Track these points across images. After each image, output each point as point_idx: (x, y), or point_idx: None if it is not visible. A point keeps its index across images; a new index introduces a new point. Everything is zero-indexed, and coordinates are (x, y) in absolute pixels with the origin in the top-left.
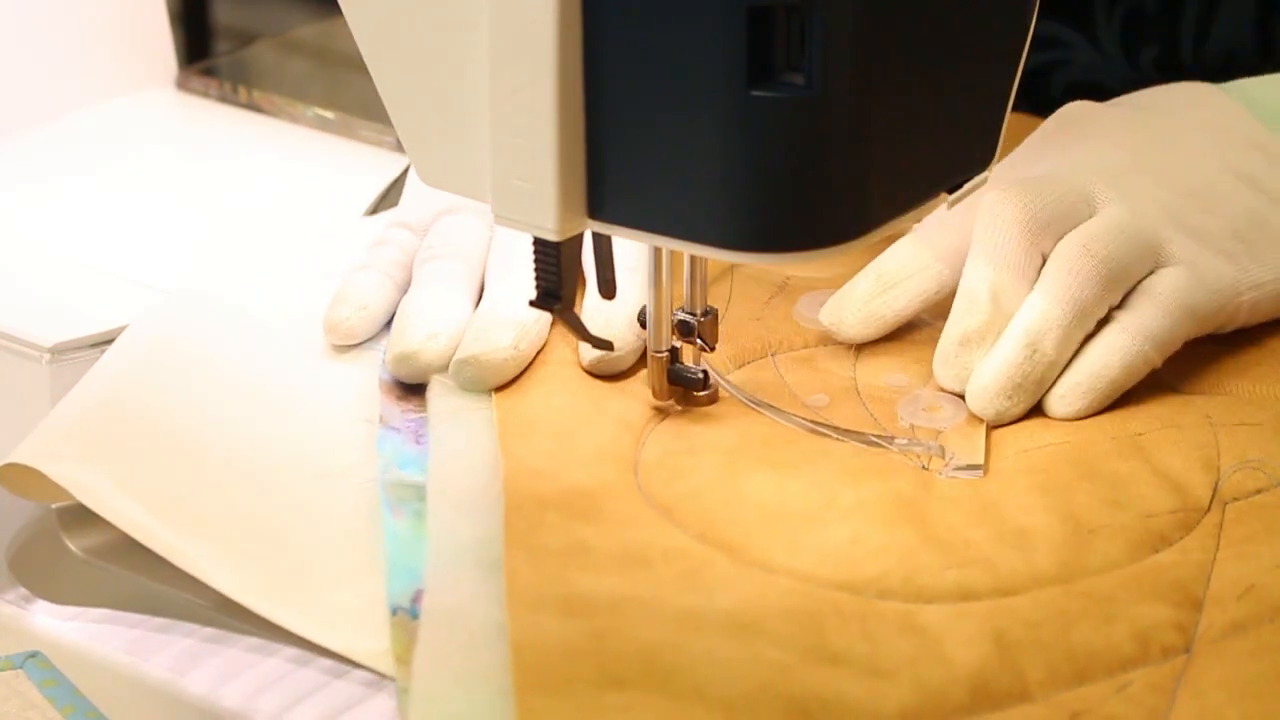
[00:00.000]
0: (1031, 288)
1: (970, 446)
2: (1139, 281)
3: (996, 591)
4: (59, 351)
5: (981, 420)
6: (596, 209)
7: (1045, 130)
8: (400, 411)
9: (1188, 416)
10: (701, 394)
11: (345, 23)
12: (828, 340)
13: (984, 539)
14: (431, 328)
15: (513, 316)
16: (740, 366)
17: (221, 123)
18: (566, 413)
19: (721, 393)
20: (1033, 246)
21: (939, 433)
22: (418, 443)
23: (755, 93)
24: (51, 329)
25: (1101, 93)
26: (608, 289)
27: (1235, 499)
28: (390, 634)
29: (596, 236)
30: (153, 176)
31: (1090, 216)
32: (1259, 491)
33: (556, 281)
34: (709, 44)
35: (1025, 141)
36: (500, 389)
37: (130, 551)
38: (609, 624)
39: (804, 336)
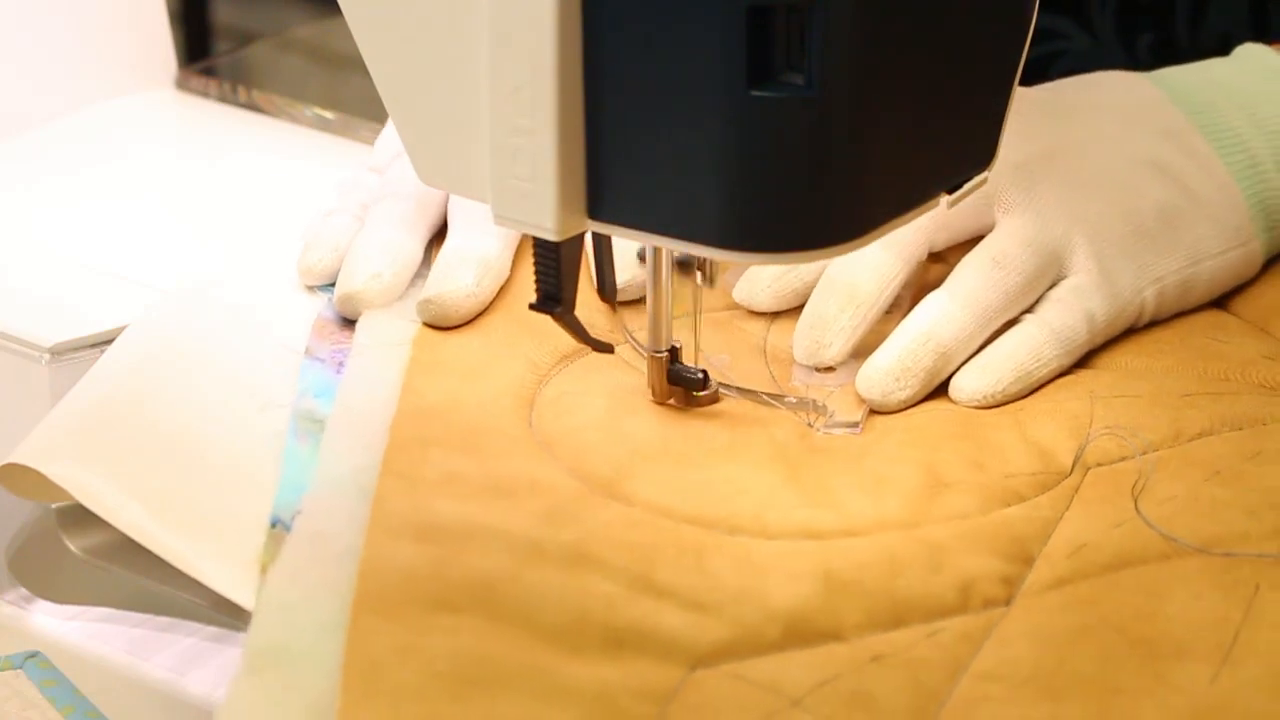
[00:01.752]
0: (905, 276)
1: (852, 406)
2: (1047, 290)
3: (840, 532)
4: (59, 351)
5: None
6: (596, 209)
7: None
8: (330, 345)
9: (1069, 390)
10: (702, 394)
11: (345, 22)
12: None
13: (841, 484)
14: (375, 267)
15: (475, 255)
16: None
17: (221, 123)
18: (479, 354)
19: (627, 346)
20: (929, 240)
21: (829, 393)
22: (338, 373)
23: (755, 93)
24: (51, 329)
25: None
26: (608, 289)
27: (1099, 464)
28: (263, 544)
29: (596, 236)
30: (153, 176)
31: (994, 218)
32: (1123, 459)
33: (556, 284)
34: (709, 44)
35: None
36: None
37: (130, 551)
38: (455, 551)
39: (728, 300)
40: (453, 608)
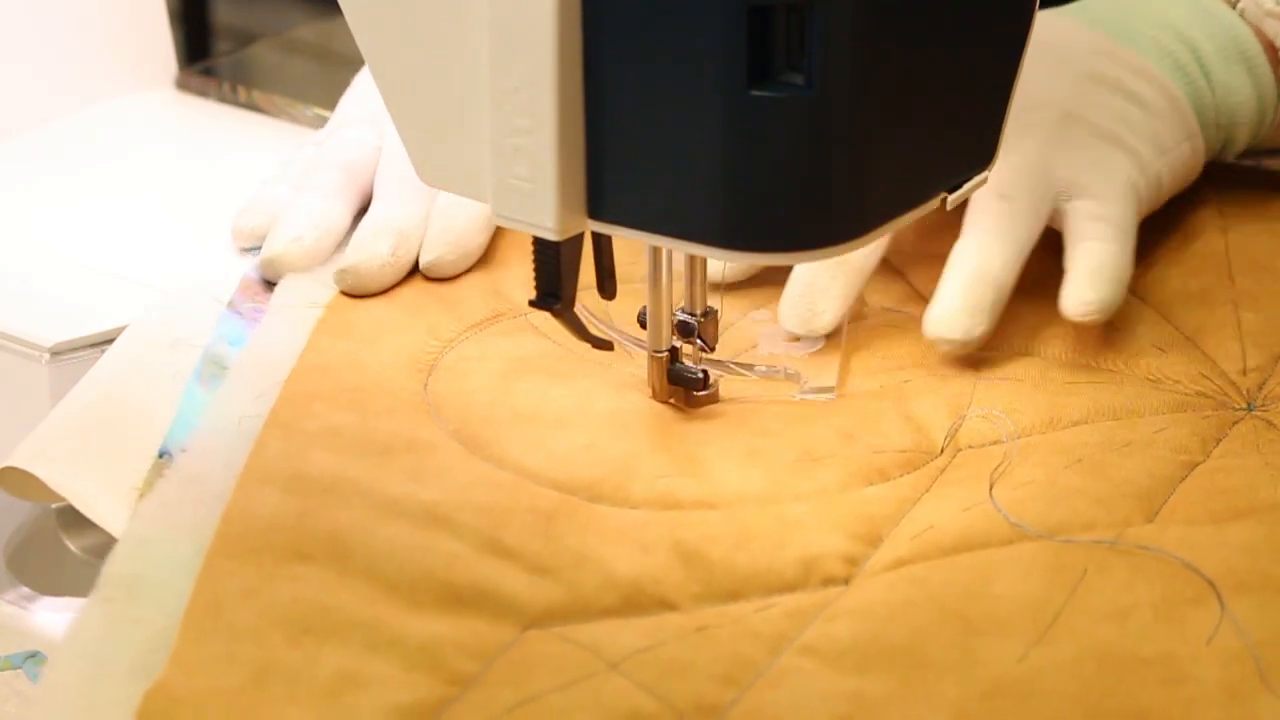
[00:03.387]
0: (887, 242)
1: (823, 371)
2: (1065, 217)
3: (699, 504)
4: (59, 351)
5: (838, 350)
6: (596, 209)
7: None
8: (252, 303)
9: (954, 369)
10: (702, 394)
11: (345, 23)
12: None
13: (713, 455)
14: (297, 231)
15: (392, 226)
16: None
17: (221, 123)
18: (385, 319)
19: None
20: None
21: (800, 359)
22: (253, 327)
23: (755, 93)
24: (51, 329)
25: None
26: (608, 288)
27: (970, 446)
28: (145, 474)
29: (596, 236)
30: (153, 176)
31: None
32: (995, 443)
33: (556, 281)
34: (709, 44)
35: None
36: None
37: None
38: (318, 504)
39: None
40: (304, 557)
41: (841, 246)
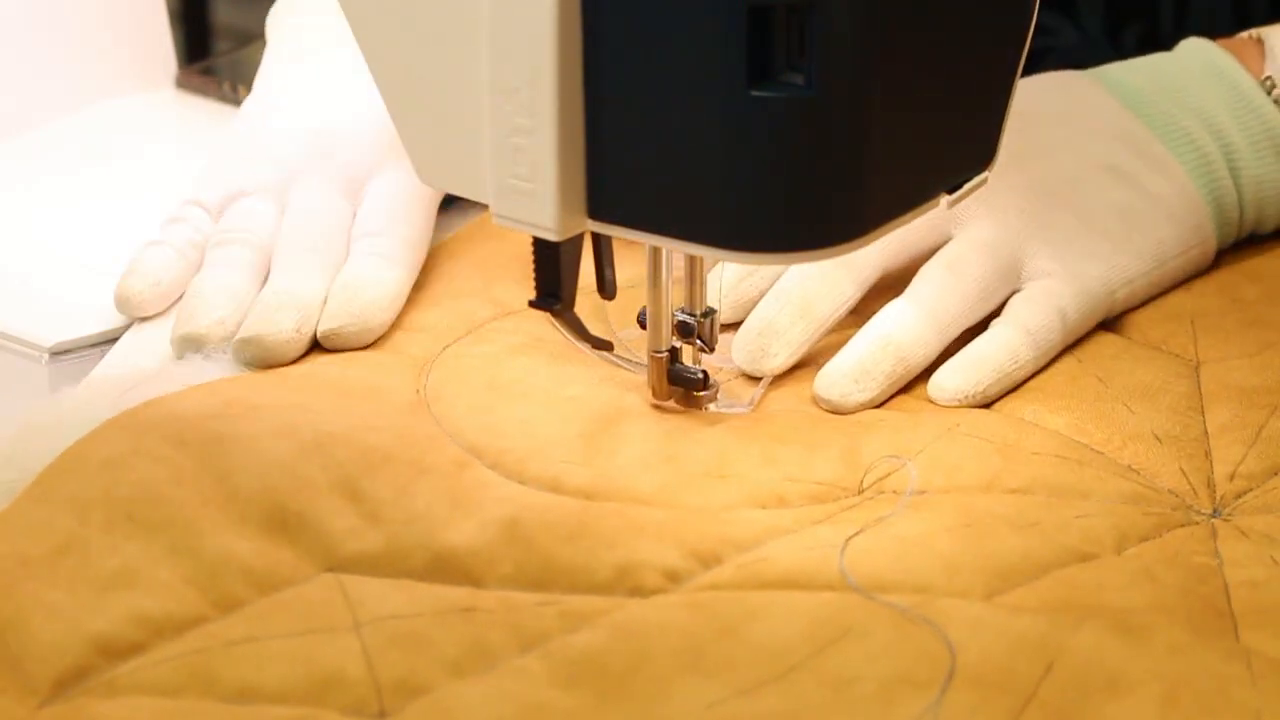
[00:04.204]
0: (858, 298)
1: (750, 389)
2: (1010, 295)
3: (579, 492)
4: (59, 351)
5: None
6: (596, 209)
7: None
8: None
9: (938, 418)
10: (702, 394)
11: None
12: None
13: (630, 453)
14: (220, 312)
15: (295, 299)
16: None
17: (221, 123)
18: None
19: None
20: (884, 260)
21: (720, 370)
22: None
23: (755, 93)
24: (51, 329)
25: None
26: (608, 289)
27: (895, 492)
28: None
29: (596, 236)
30: (153, 176)
31: (949, 233)
32: (919, 493)
33: (556, 282)
34: (709, 44)
35: None
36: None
37: None
38: (237, 411)
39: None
40: (181, 443)
41: (841, 247)
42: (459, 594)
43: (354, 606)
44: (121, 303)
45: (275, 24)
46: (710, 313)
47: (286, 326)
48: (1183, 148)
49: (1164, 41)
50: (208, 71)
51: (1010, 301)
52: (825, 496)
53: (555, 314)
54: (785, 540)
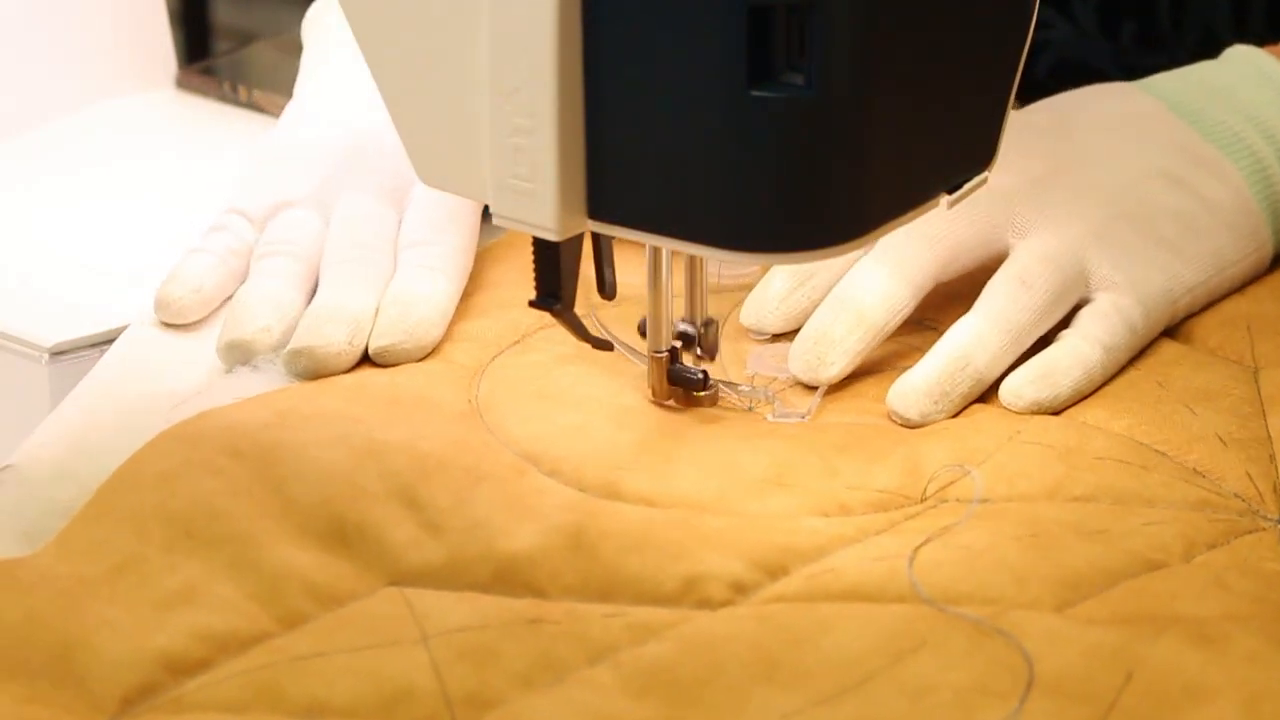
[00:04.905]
0: (914, 307)
1: (806, 398)
2: (1077, 308)
3: (640, 499)
4: (59, 351)
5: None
6: (596, 209)
7: None
8: None
9: (998, 424)
10: (702, 394)
11: None
12: (718, 290)
13: (690, 459)
14: (265, 321)
15: (347, 312)
16: (619, 305)
17: (221, 123)
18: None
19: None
20: (937, 266)
21: (774, 379)
22: None
23: (755, 93)
24: (51, 329)
25: (1085, 72)
26: (608, 289)
27: (958, 500)
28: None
29: (596, 236)
30: (153, 176)
31: (1009, 243)
32: (982, 501)
33: (556, 282)
34: (709, 44)
35: None
36: None
37: None
38: (288, 421)
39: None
40: (235, 453)
41: (841, 247)
42: (524, 605)
43: (420, 620)
44: (162, 308)
45: (311, 27)
46: (710, 322)
47: (338, 339)
48: (1237, 153)
49: (1161, 37)
50: (208, 71)
51: (1081, 314)
52: (888, 505)
53: (555, 314)
54: (851, 551)
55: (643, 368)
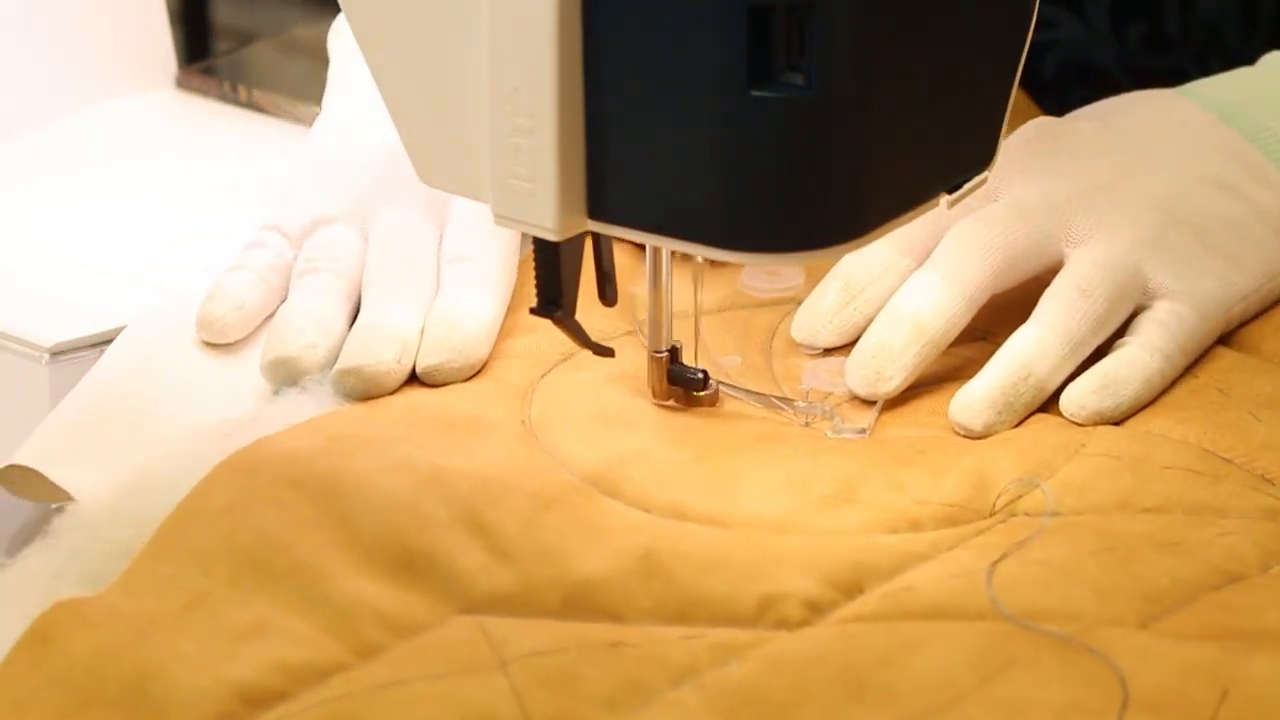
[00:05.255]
0: (970, 318)
1: (864, 413)
2: (1134, 316)
3: (708, 519)
4: (59, 351)
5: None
6: (596, 209)
7: (1011, 148)
8: None
9: (1062, 435)
10: (702, 394)
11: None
12: (763, 303)
13: (753, 477)
14: (310, 338)
15: (394, 331)
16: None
17: (221, 123)
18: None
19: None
20: (993, 277)
21: (829, 394)
22: None
23: (755, 93)
24: (51, 329)
25: (1091, 72)
26: (608, 292)
27: (1027, 514)
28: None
29: (596, 242)
30: (153, 176)
31: (1063, 252)
32: (1053, 514)
33: (557, 288)
34: (709, 44)
35: None
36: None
37: None
38: (343, 449)
39: (742, 300)
40: (296, 484)
41: (841, 247)
42: (601, 629)
43: (497, 646)
44: (204, 327)
45: (337, 39)
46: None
47: (387, 358)
48: None
49: (1168, 39)
50: (208, 71)
51: (1138, 322)
52: (957, 519)
53: (556, 321)
54: (926, 568)
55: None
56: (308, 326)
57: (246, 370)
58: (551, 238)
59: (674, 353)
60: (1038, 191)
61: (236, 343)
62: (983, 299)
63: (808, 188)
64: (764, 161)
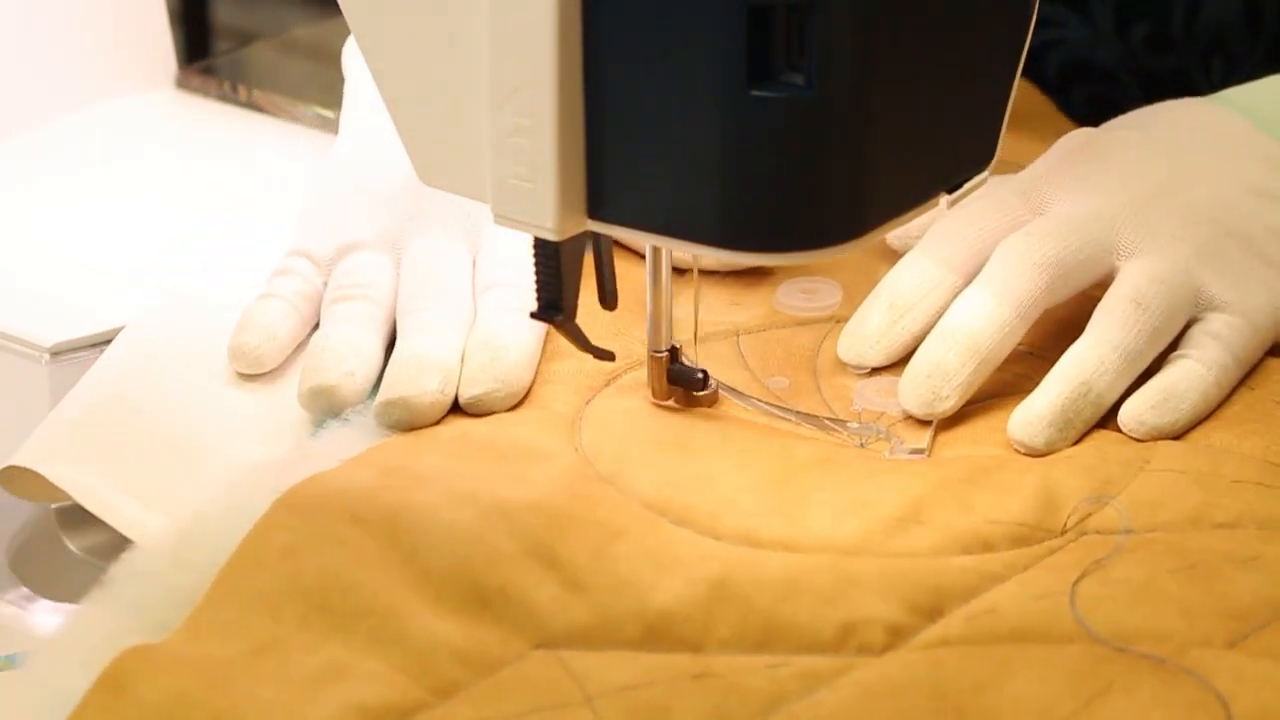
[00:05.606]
0: (1023, 334)
1: (918, 431)
2: (1186, 328)
3: (777, 545)
4: (59, 351)
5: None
6: (596, 209)
7: (1054, 160)
8: None
9: (1125, 452)
10: (701, 394)
11: (345, 22)
12: (802, 322)
13: (821, 500)
14: (349, 365)
15: (436, 359)
16: (704, 341)
17: (221, 122)
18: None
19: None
20: (1046, 293)
21: (882, 414)
22: None
23: (755, 93)
24: (51, 329)
25: (1094, 72)
26: (608, 297)
27: (1098, 532)
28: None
29: (597, 246)
30: (153, 176)
31: (1113, 265)
32: (1126, 532)
33: (557, 290)
34: (709, 44)
35: (1032, 169)
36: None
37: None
38: (401, 483)
39: (780, 319)
40: (358, 520)
41: (841, 246)
42: (683, 660)
43: (580, 681)
44: (238, 358)
45: (353, 57)
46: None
47: (431, 388)
48: None
49: (1172, 40)
50: (208, 71)
51: (1192, 334)
52: (1029, 539)
53: (557, 326)
54: (1005, 589)
55: (753, 410)
56: (346, 354)
57: (253, 390)
58: (551, 237)
59: (674, 353)
60: (1086, 204)
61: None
62: (1035, 314)
63: (807, 187)
64: (763, 161)
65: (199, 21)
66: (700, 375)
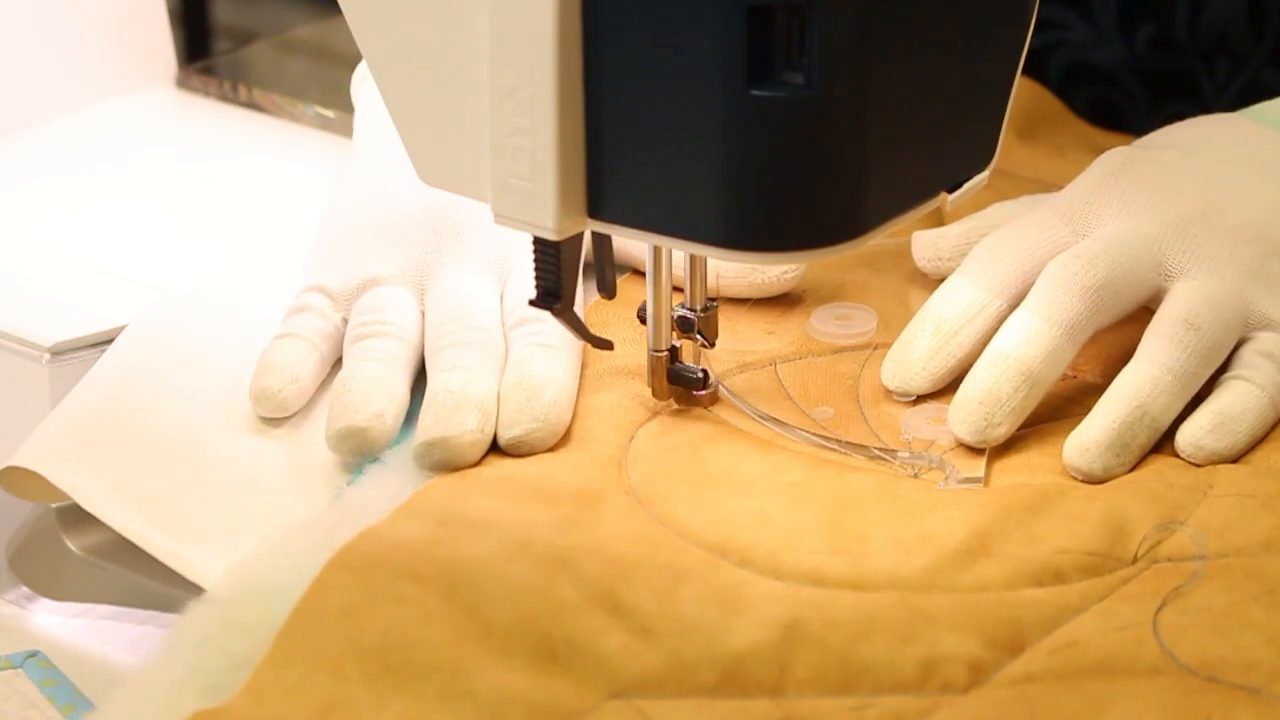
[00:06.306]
0: (1072, 356)
1: (971, 459)
2: (1237, 348)
3: (845, 583)
4: (59, 351)
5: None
6: (596, 208)
7: (1094, 181)
8: None
9: (1188, 478)
10: (701, 393)
11: (345, 22)
12: (838, 350)
13: (882, 536)
14: (377, 405)
15: (474, 398)
16: (743, 371)
17: (221, 122)
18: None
19: (728, 402)
20: (1094, 316)
21: (933, 443)
22: None
23: (755, 93)
24: (51, 329)
25: (1096, 74)
26: (607, 290)
27: (1170, 560)
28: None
29: (596, 236)
30: (153, 176)
31: (1159, 286)
32: (1201, 559)
33: (556, 281)
34: (709, 43)
35: (1071, 190)
36: None
37: (130, 551)
38: (455, 534)
39: (816, 347)
40: (416, 577)
41: (841, 246)
42: (764, 706)
43: None
44: (260, 402)
45: (362, 84)
46: (710, 307)
47: (470, 427)
48: None
49: (1176, 42)
50: (208, 71)
51: (1244, 354)
52: (1100, 569)
53: (555, 313)
54: (1084, 621)
55: (800, 441)
56: (373, 394)
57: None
58: (551, 237)
59: (674, 352)
60: (1130, 225)
61: (239, 352)
62: (1084, 338)
63: (808, 187)
64: (764, 161)
65: (199, 21)
66: (700, 375)
